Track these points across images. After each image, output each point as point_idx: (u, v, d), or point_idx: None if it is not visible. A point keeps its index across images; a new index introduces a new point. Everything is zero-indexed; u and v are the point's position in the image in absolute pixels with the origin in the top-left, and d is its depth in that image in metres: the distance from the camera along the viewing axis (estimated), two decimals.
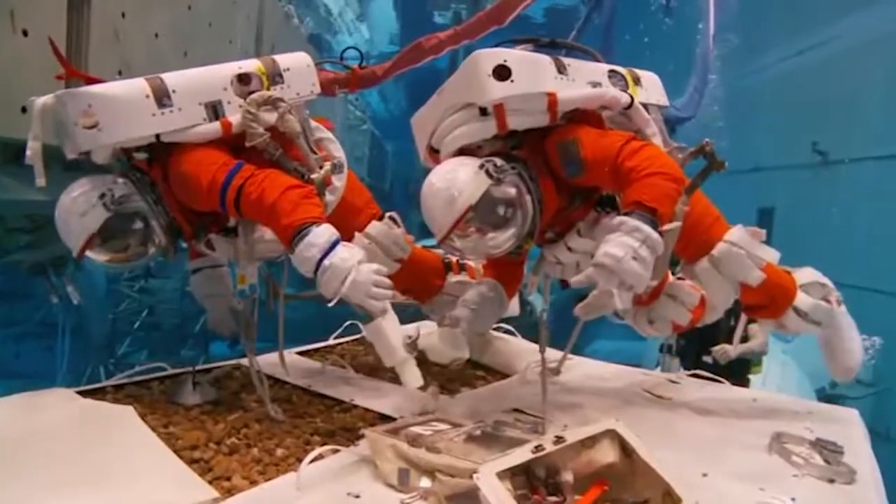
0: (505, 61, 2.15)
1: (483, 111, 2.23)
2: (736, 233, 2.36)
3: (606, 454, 1.62)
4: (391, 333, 2.04)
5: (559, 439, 1.58)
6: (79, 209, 2.13)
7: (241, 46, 5.77)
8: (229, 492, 1.72)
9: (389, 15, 20.44)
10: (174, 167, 2.21)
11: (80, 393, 2.35)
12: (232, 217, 2.29)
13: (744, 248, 2.32)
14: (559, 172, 2.26)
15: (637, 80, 2.50)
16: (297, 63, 2.49)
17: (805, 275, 2.52)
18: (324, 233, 1.97)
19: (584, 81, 2.31)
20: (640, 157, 2.05)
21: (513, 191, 2.15)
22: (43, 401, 2.22)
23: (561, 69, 2.28)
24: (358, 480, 1.76)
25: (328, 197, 2.42)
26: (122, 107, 2.13)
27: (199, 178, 2.15)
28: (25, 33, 3.17)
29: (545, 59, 2.27)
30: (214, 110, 2.25)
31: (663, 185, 1.99)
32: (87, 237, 2.14)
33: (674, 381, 2.99)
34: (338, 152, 2.56)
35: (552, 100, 2.20)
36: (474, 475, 1.48)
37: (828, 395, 7.22)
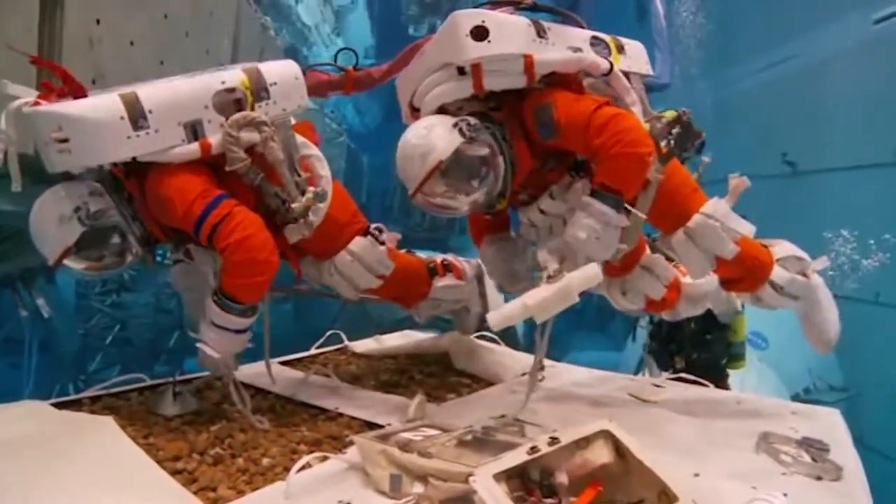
0: (483, 22, 2.18)
1: (461, 71, 2.24)
2: (712, 205, 2.34)
3: (600, 455, 1.61)
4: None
5: (554, 440, 1.57)
6: (54, 221, 2.08)
7: (218, 56, 5.70)
8: (215, 502, 1.67)
9: (365, 29, 20.50)
10: (151, 187, 2.15)
11: (54, 405, 2.27)
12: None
13: (719, 220, 2.30)
14: (534, 135, 2.28)
15: (620, 48, 2.51)
16: (284, 75, 2.36)
17: (782, 249, 2.55)
18: (241, 323, 2.16)
19: (564, 46, 2.33)
20: (609, 133, 2.08)
21: (485, 150, 2.18)
22: (16, 413, 2.14)
23: (541, 32, 2.28)
24: (348, 488, 1.72)
25: (311, 217, 2.34)
26: (95, 130, 2.02)
27: (174, 205, 2.09)
28: None
29: (524, 22, 2.29)
30: (194, 130, 2.15)
31: (628, 167, 2.09)
32: (62, 250, 2.10)
33: (658, 386, 3.00)
34: (324, 171, 2.45)
35: (529, 62, 2.21)
36: (470, 478, 1.46)
37: (802, 401, 7.32)
